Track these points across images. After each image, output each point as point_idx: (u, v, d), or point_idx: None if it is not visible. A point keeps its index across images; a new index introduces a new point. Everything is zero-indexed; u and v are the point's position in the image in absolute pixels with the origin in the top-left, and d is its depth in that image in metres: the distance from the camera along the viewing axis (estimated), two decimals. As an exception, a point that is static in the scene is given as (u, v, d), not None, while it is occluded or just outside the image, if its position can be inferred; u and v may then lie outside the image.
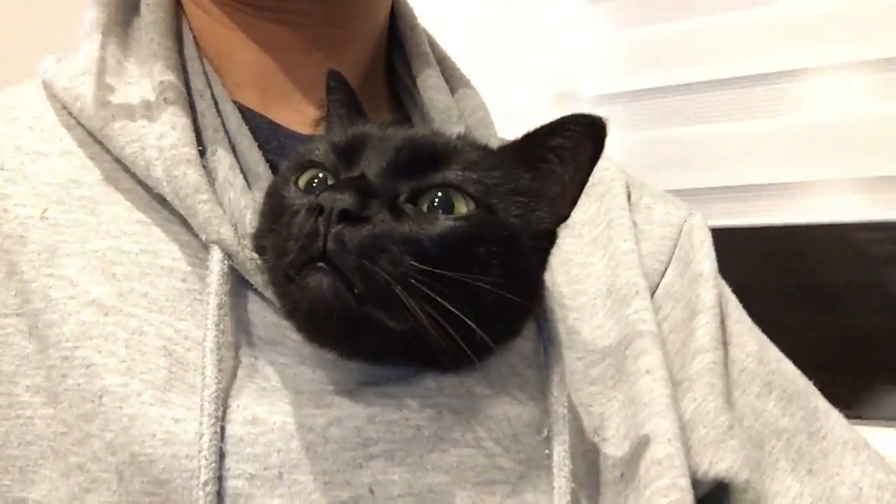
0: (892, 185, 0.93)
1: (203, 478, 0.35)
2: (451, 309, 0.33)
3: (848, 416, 0.54)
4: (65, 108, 0.47)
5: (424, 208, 0.36)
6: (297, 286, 0.34)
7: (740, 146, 1.00)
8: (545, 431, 0.41)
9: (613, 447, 0.44)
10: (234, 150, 0.46)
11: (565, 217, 0.41)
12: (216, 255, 0.40)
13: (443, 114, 0.51)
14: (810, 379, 0.55)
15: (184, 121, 0.44)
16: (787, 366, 0.54)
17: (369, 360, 0.38)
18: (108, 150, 0.45)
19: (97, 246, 0.42)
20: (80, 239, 0.43)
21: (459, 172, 0.37)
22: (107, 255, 0.42)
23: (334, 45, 0.52)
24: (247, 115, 0.49)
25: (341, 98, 0.46)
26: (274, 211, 0.39)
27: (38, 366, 0.39)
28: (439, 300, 0.33)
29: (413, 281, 0.33)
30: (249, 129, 0.47)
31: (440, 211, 0.36)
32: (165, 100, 0.44)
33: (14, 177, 0.45)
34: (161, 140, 0.43)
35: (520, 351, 0.42)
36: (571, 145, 0.39)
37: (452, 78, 0.55)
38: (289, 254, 0.34)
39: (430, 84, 0.53)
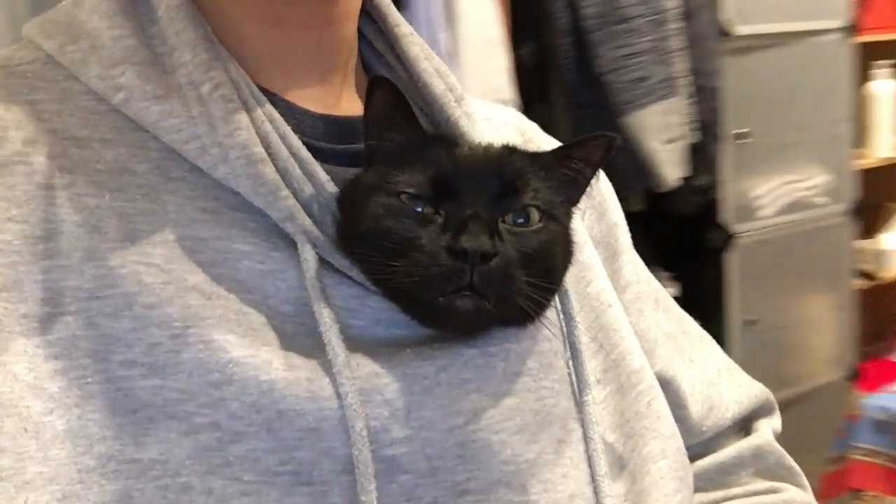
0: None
1: (359, 426, 0.42)
2: (542, 299, 0.47)
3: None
4: (91, 92, 0.47)
5: (511, 224, 0.46)
6: (442, 306, 0.44)
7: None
8: (568, 357, 0.52)
9: (587, 360, 0.54)
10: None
11: (578, 201, 0.53)
12: (306, 244, 0.46)
13: (442, 98, 0.56)
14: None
15: (246, 119, 0.46)
16: (657, 282, 0.69)
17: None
18: (151, 139, 0.47)
19: (174, 235, 0.45)
20: (156, 228, 0.45)
21: (532, 192, 0.48)
22: (185, 243, 0.45)
23: (330, 21, 0.54)
24: (263, 94, 0.50)
25: (390, 102, 0.49)
26: (370, 219, 0.46)
27: (131, 343, 0.42)
28: (537, 295, 0.46)
29: (524, 288, 0.45)
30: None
31: (523, 223, 0.47)
32: (222, 97, 0.46)
33: (65, 164, 0.45)
34: (229, 139, 0.45)
35: None
36: (591, 152, 0.50)
37: (427, 55, 0.58)
38: (438, 285, 0.43)
39: (423, 68, 0.56)
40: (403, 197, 0.46)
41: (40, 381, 0.41)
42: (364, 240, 0.46)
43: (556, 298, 0.53)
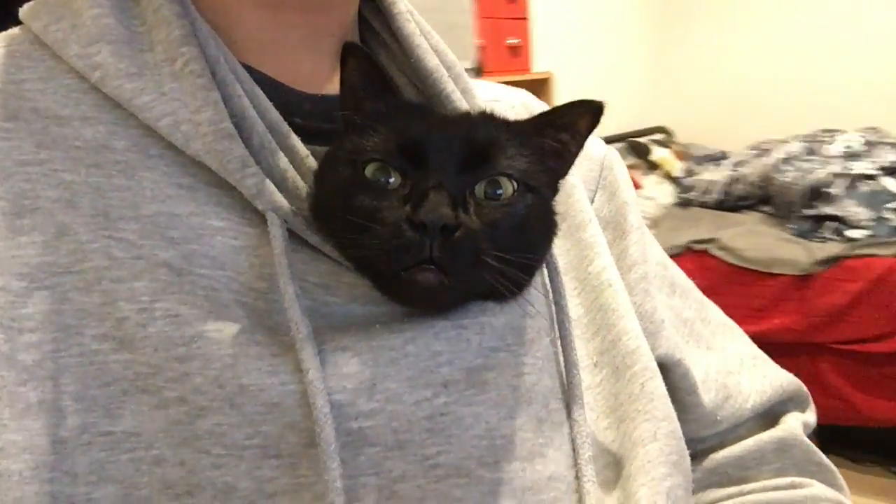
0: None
1: (320, 401, 0.41)
2: (516, 274, 0.44)
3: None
4: (74, 71, 0.47)
5: (482, 195, 0.44)
6: (405, 280, 0.42)
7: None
8: (554, 334, 0.51)
9: (584, 342, 0.54)
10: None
11: (565, 174, 0.50)
12: (275, 220, 0.45)
13: (433, 74, 0.55)
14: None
15: (215, 94, 0.45)
16: (676, 268, 0.67)
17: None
18: (130, 117, 0.46)
19: (148, 211, 0.44)
20: (130, 204, 0.44)
21: (506, 161, 0.45)
22: (159, 219, 0.44)
23: (327, 6, 0.54)
24: (249, 72, 0.50)
25: (362, 70, 0.47)
26: (337, 191, 0.45)
27: (102, 317, 0.42)
28: (509, 271, 0.43)
29: (493, 263, 0.43)
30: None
31: (494, 194, 0.44)
32: (192, 72, 0.45)
33: (44, 141, 0.45)
34: (197, 115, 0.45)
35: None
36: (576, 121, 0.48)
37: (424, 33, 0.58)
38: (397, 258, 0.42)
39: (417, 43, 0.56)
40: (370, 168, 0.44)
41: (15, 353, 0.41)
42: (331, 213, 0.45)
43: (545, 274, 0.52)
